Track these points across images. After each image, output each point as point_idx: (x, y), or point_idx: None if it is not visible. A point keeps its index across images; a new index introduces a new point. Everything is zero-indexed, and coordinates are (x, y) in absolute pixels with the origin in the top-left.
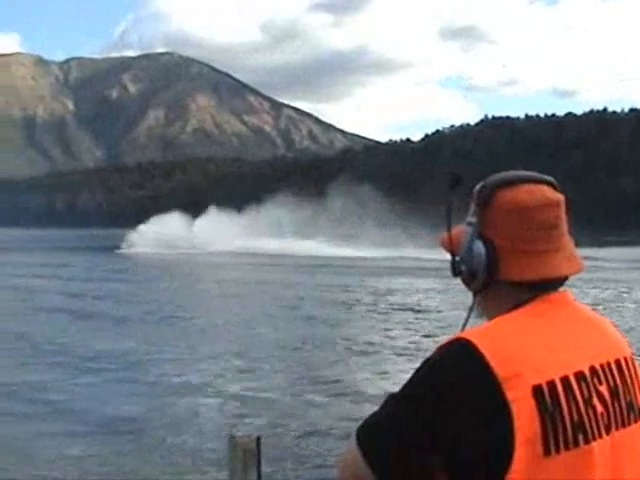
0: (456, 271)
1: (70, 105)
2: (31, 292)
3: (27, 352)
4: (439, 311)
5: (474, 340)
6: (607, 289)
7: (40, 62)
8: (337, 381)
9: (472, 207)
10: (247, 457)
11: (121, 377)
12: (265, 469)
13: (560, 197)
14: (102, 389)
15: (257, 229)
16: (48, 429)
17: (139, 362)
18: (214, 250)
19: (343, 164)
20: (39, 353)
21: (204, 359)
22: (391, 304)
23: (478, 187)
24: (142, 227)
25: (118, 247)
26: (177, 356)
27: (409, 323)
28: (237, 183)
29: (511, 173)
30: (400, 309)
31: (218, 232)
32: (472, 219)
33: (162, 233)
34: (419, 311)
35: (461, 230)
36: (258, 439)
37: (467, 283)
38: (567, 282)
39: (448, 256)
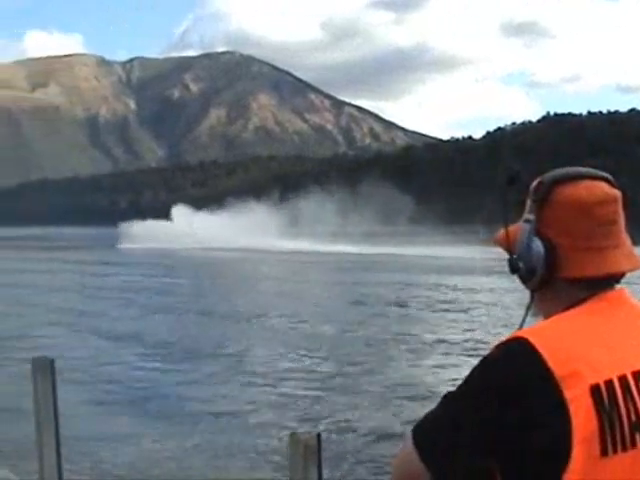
0: (514, 268)
1: (132, 105)
2: (98, 289)
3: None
4: (495, 309)
5: (531, 338)
6: None
7: (102, 62)
8: (400, 381)
9: (529, 204)
10: (308, 454)
11: (186, 367)
12: (325, 468)
13: (617, 193)
14: (163, 384)
15: (284, 225)
16: (107, 423)
17: (204, 356)
18: (216, 247)
19: (405, 161)
20: (114, 340)
21: (268, 356)
22: (445, 302)
23: (535, 183)
24: (146, 223)
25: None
26: (242, 352)
27: (468, 321)
28: (298, 180)
29: (568, 169)
30: (455, 307)
31: (219, 229)
32: (529, 216)
33: (166, 227)
34: (475, 309)
35: (518, 227)
36: (319, 436)
37: (525, 281)
38: (630, 281)
39: (485, 254)
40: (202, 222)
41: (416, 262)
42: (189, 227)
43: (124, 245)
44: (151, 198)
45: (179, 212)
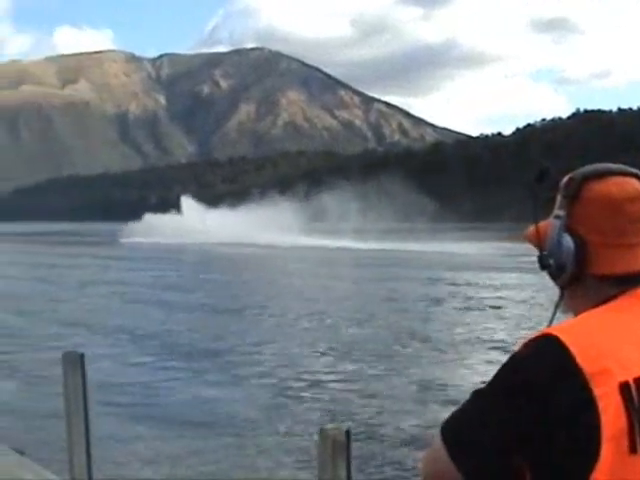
0: (544, 265)
1: (162, 101)
2: (127, 285)
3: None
4: (523, 306)
5: (560, 335)
6: None
7: (132, 59)
8: (428, 379)
9: (559, 200)
10: (337, 449)
11: (211, 367)
12: (352, 467)
13: None
14: (192, 381)
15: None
16: (129, 424)
17: (235, 353)
18: (233, 242)
19: (435, 158)
20: (135, 341)
21: (294, 355)
22: (472, 298)
23: (566, 179)
24: (149, 217)
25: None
26: (268, 352)
27: (495, 318)
28: (326, 176)
29: (598, 165)
30: (482, 303)
31: (237, 225)
32: (559, 212)
33: (175, 222)
34: (502, 306)
35: (548, 223)
36: (348, 432)
37: (554, 277)
38: None
39: (511, 251)
40: (219, 218)
41: (441, 259)
42: (201, 223)
43: (128, 239)
44: (181, 194)
45: (189, 204)
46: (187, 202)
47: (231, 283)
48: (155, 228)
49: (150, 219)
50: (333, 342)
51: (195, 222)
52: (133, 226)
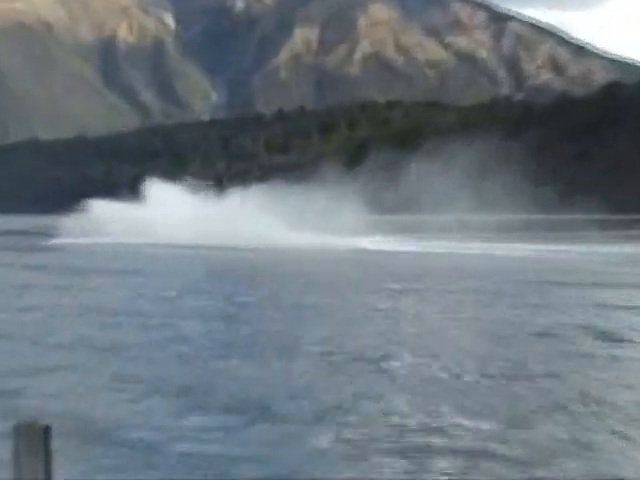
0: None
1: (170, 23)
2: (115, 314)
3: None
4: None
5: None
6: None
7: None
8: (606, 468)
9: None
10: None
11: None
12: None
13: None
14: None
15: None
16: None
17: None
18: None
19: (607, 107)
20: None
21: (408, 420)
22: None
23: None
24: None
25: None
26: (375, 408)
27: None
28: (429, 139)
29: None
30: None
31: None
32: None
33: (132, 215)
34: None
35: None
36: None
37: None
38: None
39: None
40: (214, 207)
41: (601, 270)
42: (169, 215)
43: (59, 240)
44: (200, 168)
45: (156, 189)
46: (153, 185)
47: (290, 308)
48: (101, 223)
49: (94, 209)
50: (455, 399)
51: (161, 214)
52: (69, 220)
